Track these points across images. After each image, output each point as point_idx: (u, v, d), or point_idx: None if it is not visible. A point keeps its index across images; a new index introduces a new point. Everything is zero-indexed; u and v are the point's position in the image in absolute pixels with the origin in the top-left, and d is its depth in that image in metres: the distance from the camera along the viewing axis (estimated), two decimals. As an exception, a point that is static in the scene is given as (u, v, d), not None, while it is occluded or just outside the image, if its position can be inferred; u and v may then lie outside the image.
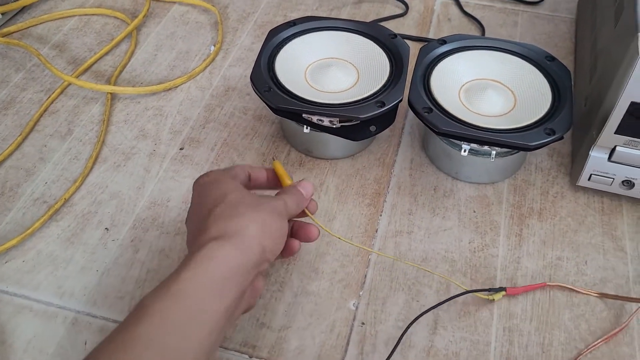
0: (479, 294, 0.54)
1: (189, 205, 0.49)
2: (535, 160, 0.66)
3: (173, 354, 0.37)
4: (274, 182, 0.53)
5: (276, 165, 0.53)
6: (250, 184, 0.51)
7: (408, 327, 0.51)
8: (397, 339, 0.51)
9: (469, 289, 0.54)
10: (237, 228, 0.42)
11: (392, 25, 0.82)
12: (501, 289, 0.54)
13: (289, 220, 0.49)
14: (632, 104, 0.52)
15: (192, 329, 0.38)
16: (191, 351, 0.38)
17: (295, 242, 0.50)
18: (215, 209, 0.44)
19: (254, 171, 0.51)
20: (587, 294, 0.55)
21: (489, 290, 0.54)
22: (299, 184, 0.50)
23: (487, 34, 0.81)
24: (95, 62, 0.77)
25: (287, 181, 0.52)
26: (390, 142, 0.68)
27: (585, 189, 0.62)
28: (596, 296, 0.54)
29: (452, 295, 0.53)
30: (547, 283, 0.55)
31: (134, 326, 0.37)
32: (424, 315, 0.53)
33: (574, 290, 0.55)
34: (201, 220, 0.44)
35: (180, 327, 0.38)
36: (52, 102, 0.71)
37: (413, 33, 0.81)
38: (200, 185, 0.48)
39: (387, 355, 0.50)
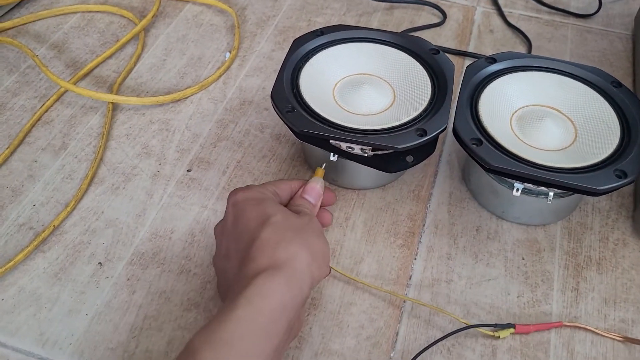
0: (482, 329, 0.47)
1: (196, 238, 0.47)
2: (592, 200, 0.57)
3: None
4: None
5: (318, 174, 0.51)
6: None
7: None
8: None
9: (519, 355, 0.46)
10: (287, 257, 0.40)
11: (427, 36, 0.74)
12: (509, 325, 0.48)
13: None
14: None
15: None
16: None
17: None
18: (260, 234, 0.41)
19: (280, 189, 0.48)
20: (611, 337, 0.48)
21: (494, 326, 0.48)
22: (305, 191, 0.49)
23: (534, 50, 0.72)
24: (97, 66, 0.69)
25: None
26: (425, 172, 0.60)
27: (651, 237, 0.54)
28: (619, 340, 0.48)
29: (457, 329, 0.47)
30: (564, 323, 0.49)
31: None
32: (467, 387, 0.45)
33: (597, 333, 0.48)
34: (245, 246, 0.41)
35: None
36: (46, 111, 0.64)
37: (451, 45, 0.73)
38: (239, 203, 0.44)
39: None
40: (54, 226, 0.53)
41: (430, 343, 0.46)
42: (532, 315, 0.49)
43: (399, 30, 0.74)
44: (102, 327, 0.48)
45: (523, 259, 0.53)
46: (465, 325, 0.47)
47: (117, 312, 0.49)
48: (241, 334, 0.36)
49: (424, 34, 0.74)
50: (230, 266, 0.43)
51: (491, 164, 0.48)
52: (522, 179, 0.49)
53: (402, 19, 0.77)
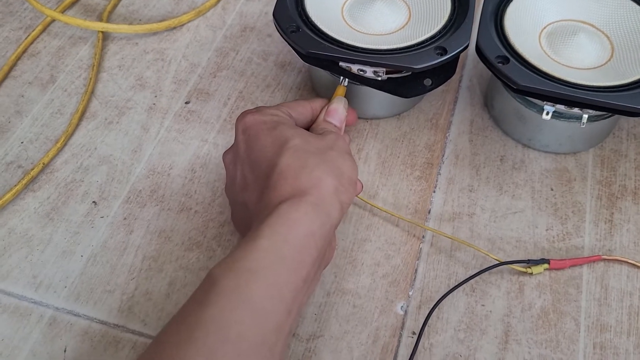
0: (515, 266, 0.44)
1: (196, 174, 0.42)
2: (626, 124, 0.53)
3: (251, 339, 0.31)
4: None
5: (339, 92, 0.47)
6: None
7: (435, 306, 0.41)
8: (421, 327, 0.42)
9: (548, 291, 0.43)
10: (312, 183, 0.36)
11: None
12: (543, 260, 0.44)
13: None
14: None
15: (271, 308, 0.33)
16: (271, 334, 0.32)
17: (360, 184, 0.42)
18: (279, 160, 0.37)
19: (297, 111, 0.44)
20: None
21: (527, 262, 0.44)
22: (328, 114, 0.44)
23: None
24: (85, -7, 0.64)
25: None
26: (444, 99, 0.55)
27: (692, 163, 0.50)
28: None
29: (487, 267, 0.44)
30: (603, 256, 0.45)
31: (205, 306, 0.32)
32: (491, 325, 0.41)
33: (637, 266, 0.44)
34: (263, 175, 0.38)
35: (258, 308, 0.32)
36: (32, 42, 0.59)
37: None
38: (251, 127, 0.40)
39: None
40: (43, 164, 0.49)
41: (459, 282, 0.43)
42: (562, 250, 0.45)
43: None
44: (99, 269, 0.44)
45: (552, 189, 0.49)
46: (497, 262, 0.44)
47: (114, 252, 0.45)
48: (266, 264, 0.33)
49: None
50: (249, 197, 0.39)
51: (519, 83, 0.43)
52: (554, 99, 0.44)
53: None
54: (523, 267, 0.44)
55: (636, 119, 0.53)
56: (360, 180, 0.42)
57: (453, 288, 0.43)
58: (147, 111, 0.54)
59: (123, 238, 0.46)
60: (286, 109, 0.42)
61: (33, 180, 0.49)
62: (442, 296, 0.42)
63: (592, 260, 0.45)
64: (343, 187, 0.38)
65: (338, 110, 0.44)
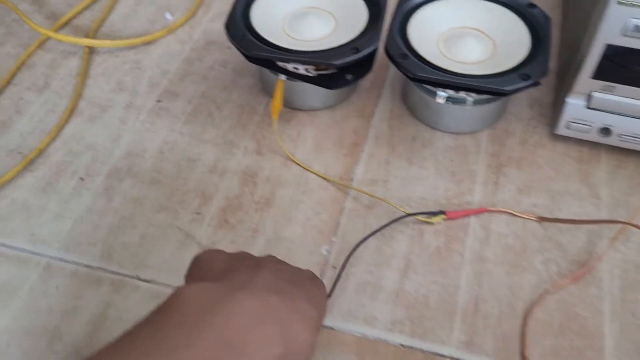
0: (419, 217, 0.55)
1: (165, 155, 0.44)
2: (515, 110, 0.65)
3: None
4: None
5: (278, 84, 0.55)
6: None
7: (355, 249, 0.53)
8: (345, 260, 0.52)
9: (443, 235, 0.54)
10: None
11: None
12: (441, 212, 0.55)
13: None
14: (608, 46, 0.51)
15: None
16: None
17: None
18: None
19: None
20: (526, 218, 0.56)
21: (428, 213, 0.55)
22: None
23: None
24: (74, 16, 0.76)
25: None
26: (370, 94, 0.67)
27: (564, 138, 0.62)
28: (535, 220, 0.56)
29: (397, 218, 0.55)
30: (488, 208, 0.56)
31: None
32: (396, 260, 0.53)
33: (513, 214, 0.56)
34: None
35: None
36: (29, 56, 0.71)
37: (397, -13, 0.80)
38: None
39: (333, 285, 0.51)
40: (39, 149, 0.61)
41: (372, 231, 0.54)
42: (457, 205, 0.57)
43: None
44: (85, 228, 0.55)
45: (452, 161, 0.60)
46: (405, 214, 0.55)
47: (97, 215, 0.56)
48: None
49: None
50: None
51: (415, 73, 0.55)
52: (443, 85, 0.56)
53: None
54: (425, 217, 0.55)
55: (522, 104, 0.65)
56: None
57: (369, 235, 0.54)
58: (125, 108, 0.65)
59: (104, 204, 0.57)
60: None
61: (31, 162, 0.60)
62: (360, 241, 0.54)
63: (479, 211, 0.56)
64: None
65: None
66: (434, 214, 0.55)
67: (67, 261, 0.53)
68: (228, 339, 0.31)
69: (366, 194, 0.57)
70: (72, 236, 0.55)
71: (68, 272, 0.52)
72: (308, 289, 0.39)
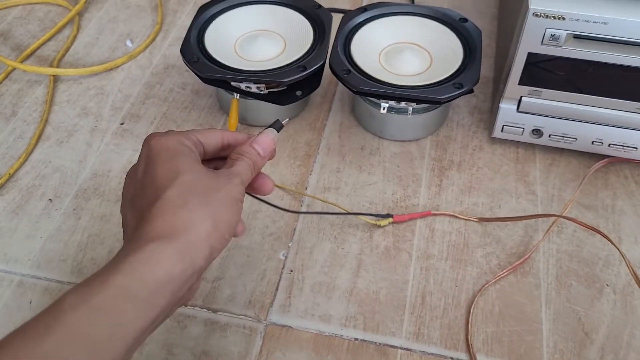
0: (366, 218, 0.59)
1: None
2: (456, 117, 0.70)
3: None
4: (228, 147, 0.45)
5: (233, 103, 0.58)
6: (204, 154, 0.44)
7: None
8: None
9: (391, 236, 0.59)
10: (185, 226, 0.37)
11: (326, 1, 0.86)
12: (388, 215, 0.59)
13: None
14: (529, 54, 0.57)
15: (111, 348, 0.33)
16: None
17: (241, 226, 0.44)
18: (164, 194, 0.38)
19: (206, 137, 0.43)
20: (467, 219, 0.60)
21: (377, 215, 0.59)
22: (256, 141, 0.44)
23: (417, 2, 0.85)
24: (39, 47, 0.79)
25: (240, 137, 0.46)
26: (321, 108, 0.71)
27: (501, 141, 0.67)
28: (475, 221, 0.60)
29: (344, 214, 0.58)
30: (432, 212, 0.60)
31: (43, 337, 0.32)
32: (348, 261, 0.57)
33: (456, 216, 0.60)
34: (147, 202, 0.38)
35: (97, 347, 0.33)
36: (-4, 87, 0.74)
37: (347, 7, 0.85)
38: (152, 151, 0.40)
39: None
40: (9, 174, 0.64)
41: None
42: (403, 207, 0.61)
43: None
44: (55, 246, 0.58)
45: (398, 166, 0.65)
46: (353, 213, 0.59)
47: (66, 233, 0.59)
48: (116, 302, 0.33)
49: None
50: (130, 217, 0.40)
51: (358, 87, 0.60)
52: (384, 97, 0.61)
53: (304, -12, 0.89)
54: (374, 220, 0.60)
55: (462, 111, 0.70)
56: (243, 223, 0.43)
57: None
58: (90, 132, 0.69)
59: (73, 223, 0.60)
60: (195, 135, 0.42)
61: (1, 187, 0.63)
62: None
63: (424, 215, 0.60)
64: (217, 233, 0.38)
65: (266, 140, 0.45)
66: (383, 217, 0.60)
67: (39, 278, 0.56)
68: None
69: (319, 199, 0.61)
70: (43, 254, 0.58)
71: (40, 288, 0.55)
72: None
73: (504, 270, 0.56)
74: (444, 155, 0.66)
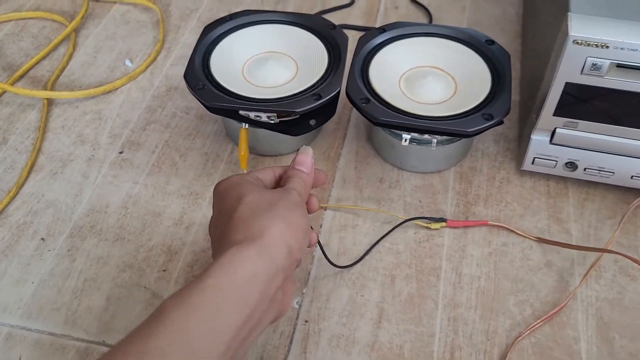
0: (418, 222, 0.57)
1: (129, 210, 0.47)
2: (481, 146, 0.65)
3: None
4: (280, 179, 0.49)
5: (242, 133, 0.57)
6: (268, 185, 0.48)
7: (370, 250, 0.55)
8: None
9: (414, 281, 0.54)
10: (260, 230, 0.40)
11: (338, 16, 0.81)
12: (442, 219, 0.57)
13: None
14: (567, 84, 0.52)
15: (210, 343, 0.36)
16: None
17: (314, 234, 0.48)
18: (234, 213, 0.42)
19: (262, 174, 0.48)
20: (526, 236, 0.57)
21: (430, 219, 0.57)
22: (296, 163, 0.48)
23: (434, 21, 0.80)
24: (32, 67, 0.74)
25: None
26: (335, 135, 0.66)
27: (531, 173, 0.62)
28: (534, 239, 0.57)
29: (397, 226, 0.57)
30: (489, 222, 0.58)
31: (148, 337, 0.36)
32: (369, 310, 0.52)
33: (514, 231, 0.57)
34: (223, 227, 0.43)
35: (198, 343, 0.36)
36: (-14, 111, 0.69)
37: (360, 23, 0.80)
38: (219, 191, 0.46)
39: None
40: (-2, 210, 0.59)
41: (379, 238, 0.53)
42: (426, 248, 0.56)
43: (313, 12, 0.81)
44: (47, 292, 0.54)
45: (420, 201, 0.60)
46: (405, 219, 0.54)
47: (60, 278, 0.54)
48: (210, 301, 0.37)
49: (335, 15, 0.81)
50: (215, 237, 0.45)
51: (378, 118, 0.55)
52: (407, 129, 0.56)
53: (315, 3, 0.84)
54: (425, 222, 0.57)
55: (487, 139, 0.65)
56: (313, 230, 0.47)
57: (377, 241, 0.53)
58: (87, 162, 0.64)
59: (67, 266, 0.55)
60: (254, 173, 0.48)
61: (-10, 224, 0.58)
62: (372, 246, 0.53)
63: (480, 224, 0.58)
64: (291, 231, 0.41)
65: (305, 159, 0.48)
66: (435, 220, 0.57)
67: (29, 329, 0.51)
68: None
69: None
70: (35, 301, 0.53)
71: (31, 341, 0.50)
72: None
73: (539, 320, 0.51)
74: (469, 189, 0.61)
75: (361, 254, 0.55)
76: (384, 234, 0.57)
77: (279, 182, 0.48)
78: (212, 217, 0.46)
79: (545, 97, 0.54)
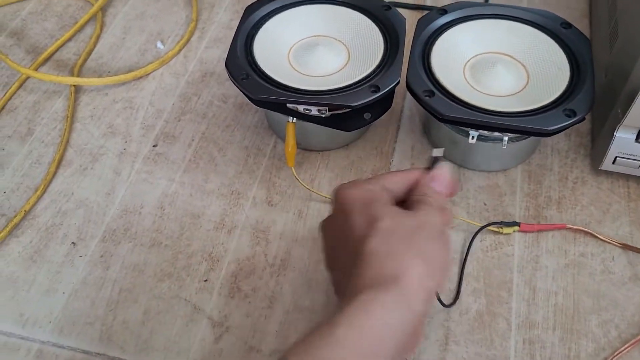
0: (490, 227, 0.52)
1: (165, 211, 0.42)
2: (551, 141, 0.58)
3: None
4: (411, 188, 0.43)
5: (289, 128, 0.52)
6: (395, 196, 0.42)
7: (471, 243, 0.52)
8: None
9: (483, 295, 0.48)
10: (395, 274, 0.35)
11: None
12: (514, 223, 0.52)
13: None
14: (667, 78, 0.45)
15: None
16: None
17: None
18: (365, 243, 0.37)
19: (390, 182, 0.42)
20: (610, 242, 0.51)
21: (501, 223, 0.52)
22: (435, 179, 0.41)
23: (491, 0, 0.73)
24: (57, 50, 0.69)
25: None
26: (388, 128, 0.60)
27: (608, 173, 0.56)
28: (619, 246, 0.51)
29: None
30: (567, 225, 0.52)
31: None
32: (433, 330, 0.47)
33: (595, 236, 0.52)
34: (350, 255, 0.38)
35: None
36: (9, 99, 0.64)
37: (409, 0, 0.73)
38: (346, 203, 0.40)
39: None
40: (25, 211, 0.54)
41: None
42: (495, 257, 0.51)
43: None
44: (80, 304, 0.49)
45: (485, 204, 0.54)
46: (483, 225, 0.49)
47: (93, 288, 0.50)
48: (340, 354, 0.33)
49: (382, -9, 0.74)
50: (337, 271, 0.42)
51: (444, 114, 0.49)
52: (475, 126, 0.50)
53: (359, -23, 0.76)
54: (497, 227, 0.52)
55: (557, 135, 0.59)
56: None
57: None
58: (119, 156, 0.59)
59: (101, 274, 0.51)
60: (382, 181, 0.41)
61: (16, 227, 0.54)
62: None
63: (558, 227, 0.52)
64: (431, 274, 0.36)
65: (442, 175, 0.42)
66: (507, 224, 0.52)
67: (61, 346, 0.47)
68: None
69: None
70: (66, 314, 0.49)
71: (63, 360, 0.46)
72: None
73: (627, 345, 0.46)
74: (539, 190, 0.55)
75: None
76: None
77: (411, 191, 0.42)
78: (331, 227, 0.42)
79: (636, 92, 0.47)
